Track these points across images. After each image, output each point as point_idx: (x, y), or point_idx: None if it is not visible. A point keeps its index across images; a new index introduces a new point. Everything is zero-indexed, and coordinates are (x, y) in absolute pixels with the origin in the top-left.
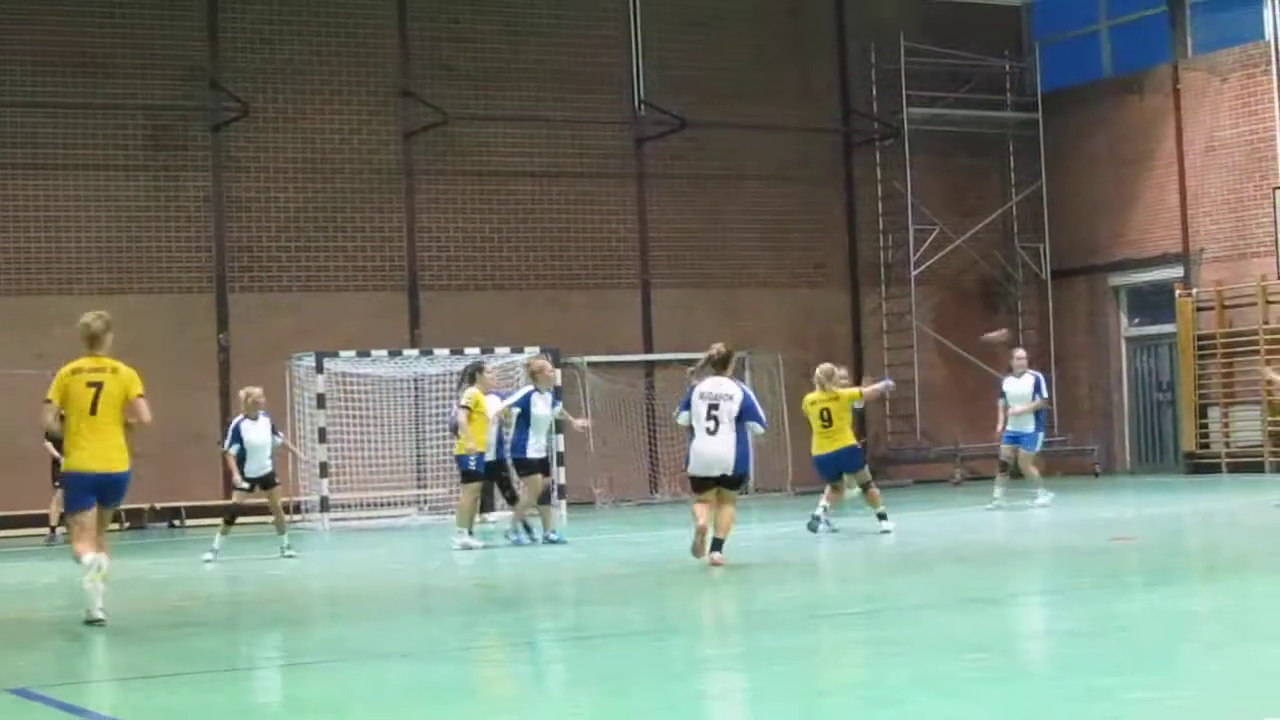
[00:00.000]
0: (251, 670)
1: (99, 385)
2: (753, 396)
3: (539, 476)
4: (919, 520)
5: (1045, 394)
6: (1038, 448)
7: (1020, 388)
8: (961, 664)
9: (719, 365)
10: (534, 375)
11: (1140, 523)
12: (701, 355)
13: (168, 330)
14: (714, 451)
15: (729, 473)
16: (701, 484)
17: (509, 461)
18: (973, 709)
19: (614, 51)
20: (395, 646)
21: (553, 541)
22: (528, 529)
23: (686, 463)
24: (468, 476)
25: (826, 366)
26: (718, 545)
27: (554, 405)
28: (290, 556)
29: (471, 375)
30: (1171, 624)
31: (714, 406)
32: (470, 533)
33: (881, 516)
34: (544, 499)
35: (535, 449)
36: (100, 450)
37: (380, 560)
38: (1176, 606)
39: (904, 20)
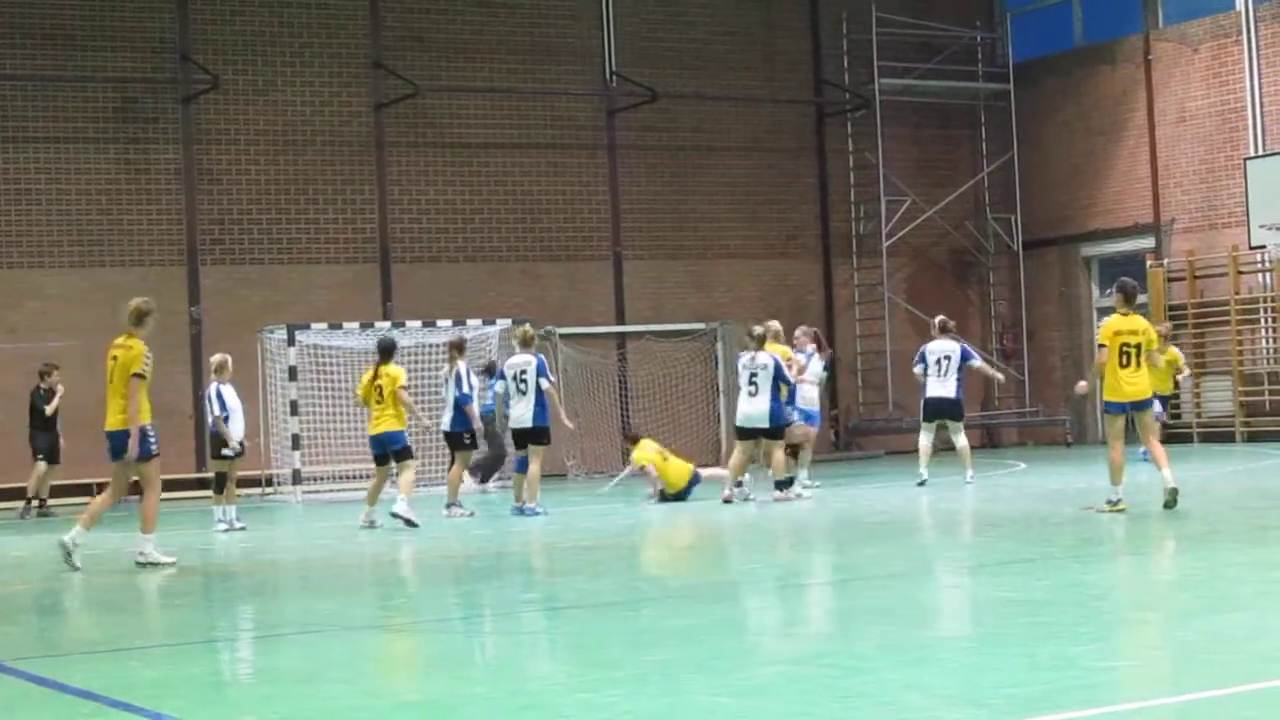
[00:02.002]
0: (225, 642)
1: (115, 359)
2: (782, 363)
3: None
4: (889, 491)
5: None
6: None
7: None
8: (931, 633)
9: (760, 341)
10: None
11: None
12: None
13: None
14: (757, 410)
15: (767, 425)
16: (748, 434)
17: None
18: (943, 678)
19: (585, 23)
20: (368, 618)
21: (524, 513)
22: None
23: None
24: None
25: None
26: (779, 485)
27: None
28: (242, 528)
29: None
30: (1142, 593)
31: (753, 375)
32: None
33: (779, 485)
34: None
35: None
36: (109, 413)
37: (352, 532)
38: (1147, 575)
39: None
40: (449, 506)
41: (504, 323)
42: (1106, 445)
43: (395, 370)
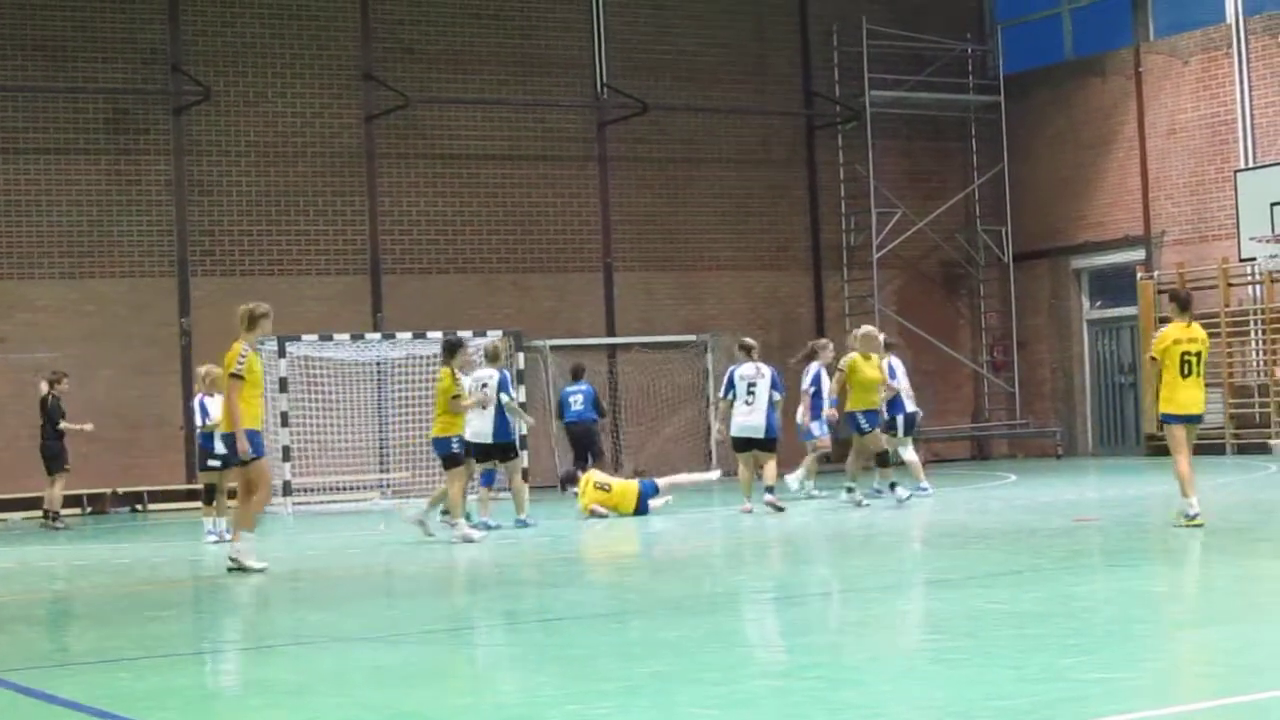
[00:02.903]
0: (214, 654)
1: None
2: (778, 375)
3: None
4: (880, 502)
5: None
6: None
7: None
8: (921, 645)
9: (749, 352)
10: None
11: (1102, 504)
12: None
13: (129, 314)
14: (753, 421)
15: (762, 436)
16: (744, 445)
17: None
18: (931, 690)
19: (576, 35)
20: (358, 630)
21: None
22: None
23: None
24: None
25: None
26: (770, 490)
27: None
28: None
29: (452, 350)
30: (1132, 605)
31: (751, 385)
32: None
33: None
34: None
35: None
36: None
37: (342, 544)
38: (1137, 587)
39: (866, 3)
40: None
41: (494, 334)
42: (1171, 457)
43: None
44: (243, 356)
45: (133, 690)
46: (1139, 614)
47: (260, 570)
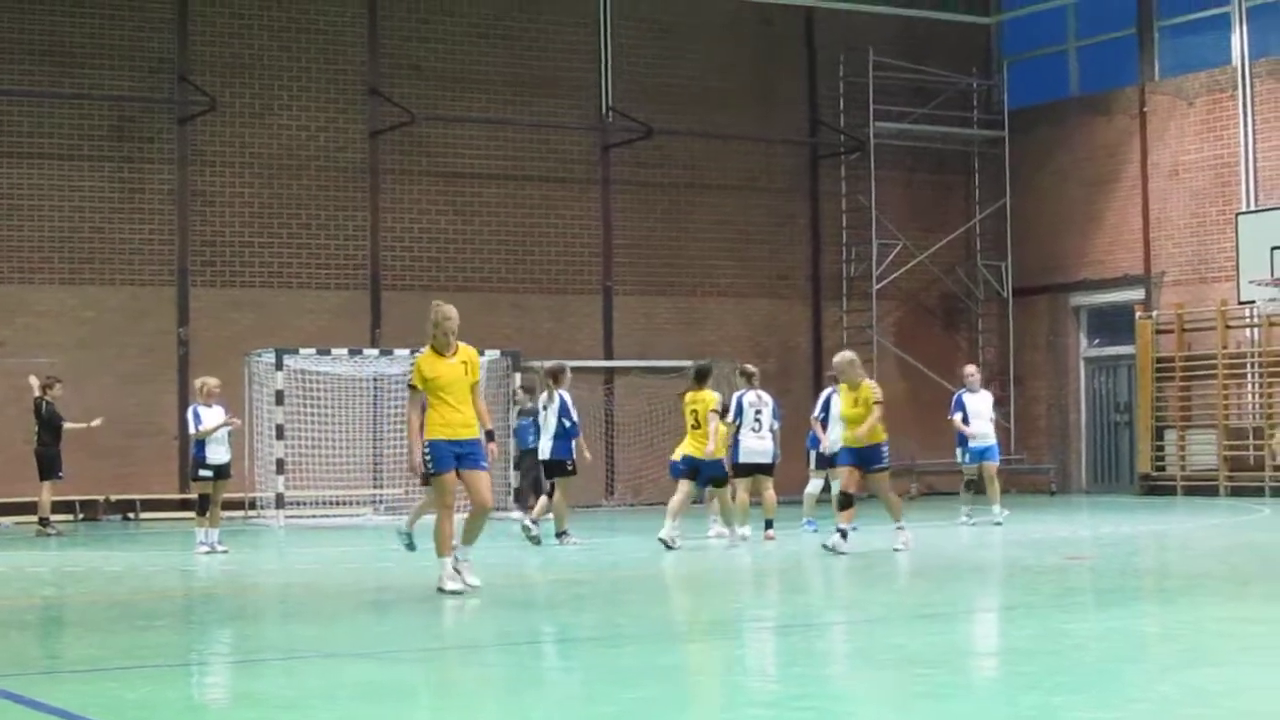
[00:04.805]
0: (205, 665)
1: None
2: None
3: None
4: (874, 534)
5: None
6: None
7: (980, 403)
8: (913, 678)
9: (749, 379)
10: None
11: (1095, 542)
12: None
13: (128, 322)
14: (763, 446)
15: (769, 461)
16: (748, 471)
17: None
18: None
19: (583, 57)
20: (348, 646)
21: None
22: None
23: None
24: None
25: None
26: (769, 524)
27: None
28: (224, 551)
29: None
30: (1123, 645)
31: (759, 412)
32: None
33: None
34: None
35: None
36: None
37: (335, 559)
38: (1128, 627)
39: (873, 34)
40: (560, 535)
41: (492, 354)
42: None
43: (708, 395)
44: (412, 364)
45: (122, 700)
46: (1130, 654)
47: (457, 591)
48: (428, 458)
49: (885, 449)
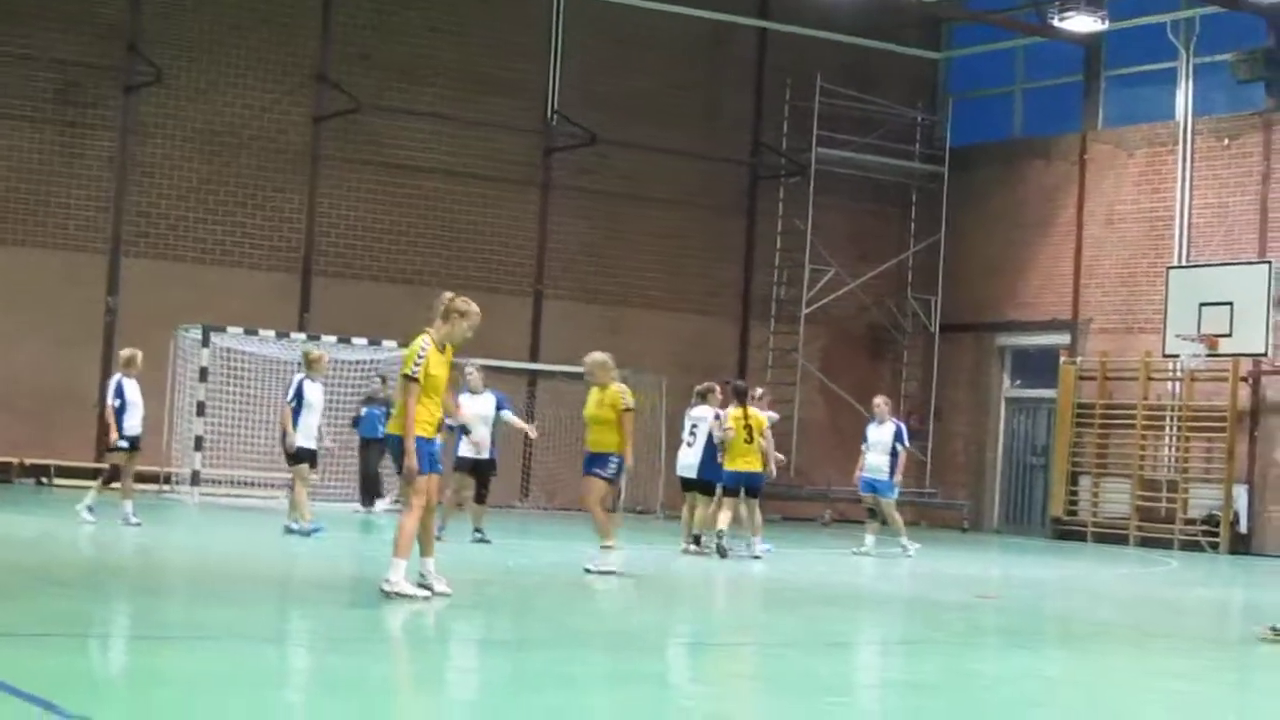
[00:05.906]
0: (114, 638)
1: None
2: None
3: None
4: (786, 558)
5: (905, 444)
6: (894, 495)
7: (881, 435)
8: (819, 706)
9: (702, 396)
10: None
11: (1004, 582)
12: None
13: (56, 287)
14: (689, 460)
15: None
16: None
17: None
18: None
19: (534, 60)
20: (257, 630)
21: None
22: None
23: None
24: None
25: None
26: (696, 540)
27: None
28: (137, 524)
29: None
30: (1025, 686)
31: (694, 427)
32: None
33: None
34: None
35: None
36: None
37: (247, 540)
38: (1032, 668)
39: (823, 61)
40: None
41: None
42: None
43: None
44: (421, 355)
45: (35, 669)
46: (1031, 695)
47: (422, 597)
48: (421, 455)
49: (613, 460)
